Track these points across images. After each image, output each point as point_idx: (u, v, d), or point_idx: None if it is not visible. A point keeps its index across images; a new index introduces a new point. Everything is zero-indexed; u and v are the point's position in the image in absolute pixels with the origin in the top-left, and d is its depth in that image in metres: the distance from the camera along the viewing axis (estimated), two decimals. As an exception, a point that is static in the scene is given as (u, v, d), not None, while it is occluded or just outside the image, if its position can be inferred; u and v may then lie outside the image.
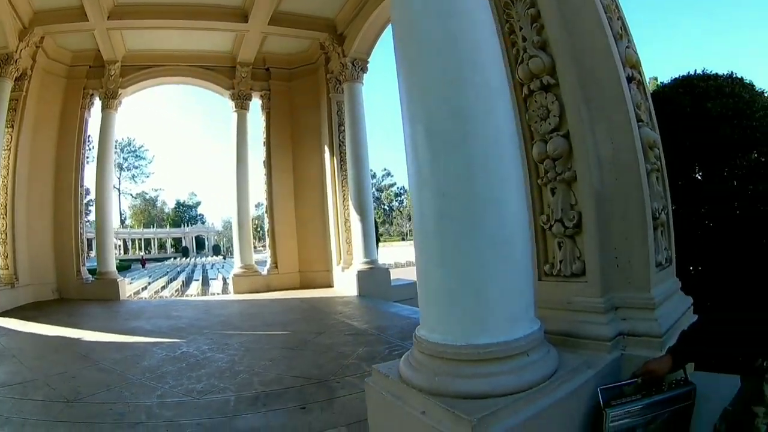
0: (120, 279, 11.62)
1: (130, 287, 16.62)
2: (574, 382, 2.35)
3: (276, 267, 11.90)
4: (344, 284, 10.81)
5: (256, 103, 12.54)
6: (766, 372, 1.91)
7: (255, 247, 13.34)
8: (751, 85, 4.62)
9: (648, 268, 2.78)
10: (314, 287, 11.33)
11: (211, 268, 40.26)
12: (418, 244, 2.41)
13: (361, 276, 10.19)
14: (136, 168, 78.77)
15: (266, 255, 12.69)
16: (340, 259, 11.17)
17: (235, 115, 12.25)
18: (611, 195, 2.88)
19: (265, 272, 11.96)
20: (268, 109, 12.40)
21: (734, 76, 4.67)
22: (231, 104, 12.27)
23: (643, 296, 2.78)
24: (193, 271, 37.16)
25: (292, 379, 4.41)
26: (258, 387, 4.17)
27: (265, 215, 12.34)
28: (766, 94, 4.59)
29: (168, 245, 74.34)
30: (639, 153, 2.87)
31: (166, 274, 32.30)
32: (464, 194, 2.22)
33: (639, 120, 3.01)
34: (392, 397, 2.39)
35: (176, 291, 20.18)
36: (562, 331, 2.82)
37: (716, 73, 4.73)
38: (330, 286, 11.44)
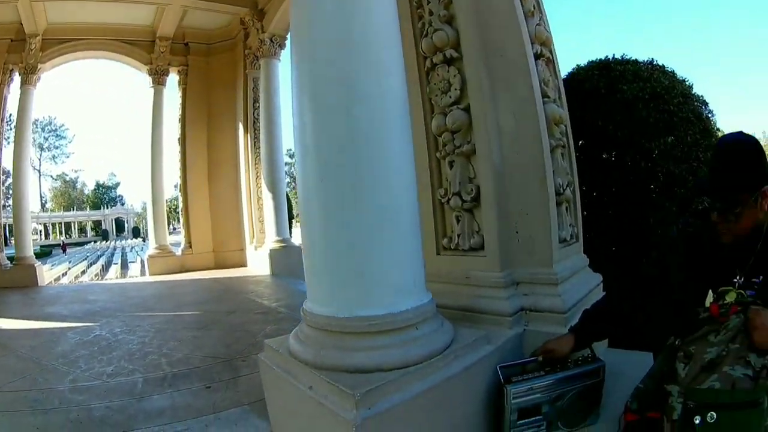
0: (38, 264, 11.06)
1: (50, 273, 16.15)
2: (470, 357, 2.30)
3: (190, 247, 11.61)
4: (257, 263, 10.69)
5: (173, 79, 12.11)
6: (678, 350, 1.88)
7: (174, 229, 12.93)
8: (672, 73, 4.63)
9: (550, 243, 2.76)
10: (228, 267, 11.16)
11: (131, 250, 39.02)
12: (303, 215, 2.32)
13: (274, 255, 10.01)
14: (57, 148, 75.16)
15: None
16: (253, 237, 11.03)
17: (152, 91, 11.78)
18: (512, 169, 2.84)
19: (179, 253, 11.65)
20: (185, 85, 11.97)
21: (655, 63, 4.70)
22: (148, 80, 11.79)
23: (546, 271, 2.77)
24: (112, 255, 36.16)
25: (200, 358, 4.38)
26: (166, 368, 4.13)
27: (179, 194, 11.99)
28: (687, 82, 4.62)
29: (88, 229, 71.49)
30: (542, 128, 2.84)
31: (85, 259, 31.47)
32: (348, 163, 2.13)
33: (545, 96, 2.98)
34: (282, 372, 2.31)
35: (96, 275, 19.84)
36: (461, 306, 2.79)
37: (635, 59, 4.74)
38: (244, 265, 11.29)
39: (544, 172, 2.79)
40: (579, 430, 2.36)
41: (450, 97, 2.93)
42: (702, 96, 4.65)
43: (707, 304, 1.94)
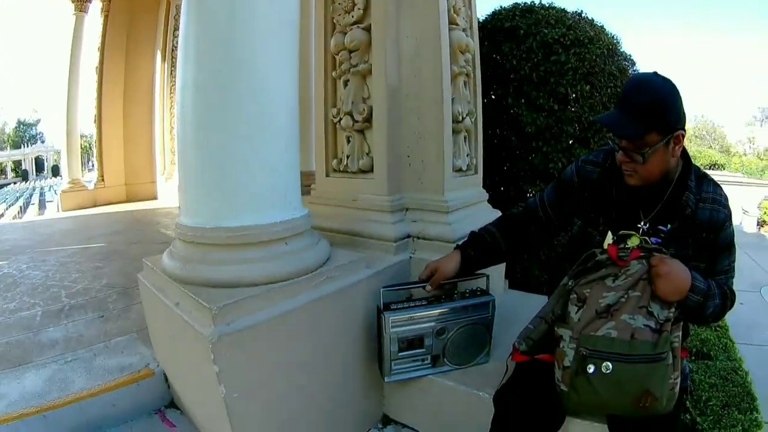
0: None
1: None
2: (345, 280, 2.23)
3: (102, 180, 11.04)
4: (168, 196, 10.36)
5: (97, 7, 11.32)
6: (571, 292, 1.77)
7: (93, 165, 12.37)
8: (600, 27, 4.52)
9: (442, 170, 2.70)
10: (140, 200, 10.79)
11: (49, 190, 37.34)
12: (179, 124, 2.17)
13: (183, 187, 9.61)
14: None
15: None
16: (164, 169, 10.71)
17: (73, 18, 10.96)
18: (408, 92, 2.76)
19: (92, 186, 11.10)
20: (107, 12, 11.13)
21: (584, 15, 4.60)
22: (71, 6, 11.12)
23: (436, 198, 2.71)
24: (31, 195, 34.73)
25: (98, 289, 4.29)
26: (65, 300, 4.02)
27: (94, 125, 11.40)
28: (615, 38, 4.51)
29: (8, 170, 67.81)
30: (444, 53, 2.74)
31: (4, 201, 30.15)
32: (224, 69, 1.98)
33: (453, 23, 2.88)
34: (156, 290, 2.21)
35: (13, 217, 18.89)
36: (347, 230, 2.73)
37: (563, 8, 4.59)
38: (155, 198, 10.96)
39: (441, 96, 2.69)
40: (468, 368, 2.31)
41: (352, 16, 2.80)
42: (631, 55, 4.62)
43: (605, 245, 1.84)
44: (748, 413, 2.04)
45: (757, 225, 13.01)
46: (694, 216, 1.76)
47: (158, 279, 2.24)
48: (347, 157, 2.86)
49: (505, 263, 3.24)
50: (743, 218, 12.90)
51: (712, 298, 1.71)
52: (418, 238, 2.68)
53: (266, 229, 2.01)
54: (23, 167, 68.39)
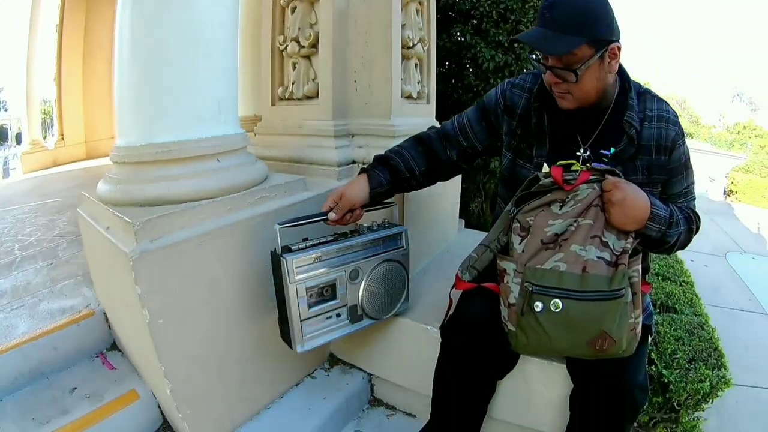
0: None
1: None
2: (281, 201, 2.11)
3: (62, 139, 10.79)
4: None
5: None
6: (513, 221, 1.63)
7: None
8: None
9: (389, 94, 2.58)
10: (101, 156, 10.53)
11: (14, 158, 36.70)
12: (116, 44, 2.00)
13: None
14: None
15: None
16: None
17: None
18: (356, 16, 2.62)
19: (52, 146, 10.87)
20: None
21: None
22: (27, -35, 10.72)
23: (383, 123, 2.61)
24: (-7, 165, 33.89)
25: (50, 239, 4.20)
26: (17, 252, 3.92)
27: (53, 84, 11.06)
28: None
29: None
30: (394, -22, 2.61)
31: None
32: None
33: (404, -53, 2.74)
34: (91, 218, 2.10)
35: (-25, 186, 18.47)
36: (290, 157, 2.63)
37: None
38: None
39: (390, 19, 2.56)
40: (389, 318, 2.16)
41: (301, -61, 2.67)
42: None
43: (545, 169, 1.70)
44: (716, 369, 1.98)
45: (724, 194, 13.31)
46: (639, 136, 1.63)
47: (93, 207, 2.13)
48: (293, 83, 2.74)
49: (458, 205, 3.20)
50: (709, 186, 13.23)
51: (675, 225, 1.58)
52: (363, 163, 2.57)
53: (196, 144, 1.89)
54: None
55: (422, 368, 2.00)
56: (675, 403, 1.92)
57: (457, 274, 1.79)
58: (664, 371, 1.94)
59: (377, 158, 1.97)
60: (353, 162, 2.60)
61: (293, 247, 1.80)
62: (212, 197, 1.89)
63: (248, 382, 2.07)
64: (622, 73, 1.67)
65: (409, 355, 2.22)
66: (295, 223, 1.79)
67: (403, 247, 2.04)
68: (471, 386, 1.79)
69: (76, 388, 2.21)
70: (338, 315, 1.93)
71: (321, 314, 1.88)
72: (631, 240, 1.49)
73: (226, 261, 1.90)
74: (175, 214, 1.77)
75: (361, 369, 2.46)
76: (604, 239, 1.49)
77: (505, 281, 1.59)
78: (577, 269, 1.47)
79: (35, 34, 10.63)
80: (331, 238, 1.89)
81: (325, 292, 1.87)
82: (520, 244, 1.58)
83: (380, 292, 2.03)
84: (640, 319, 1.51)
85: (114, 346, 2.54)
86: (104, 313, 2.51)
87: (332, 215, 1.81)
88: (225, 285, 1.90)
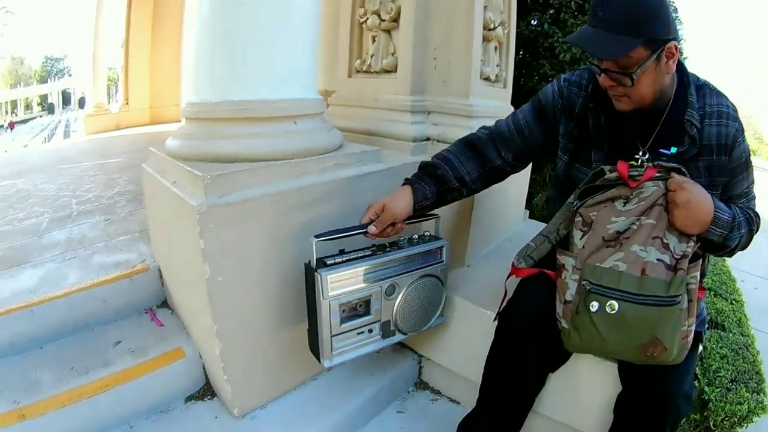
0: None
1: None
2: (355, 169, 2.05)
3: (127, 103, 10.89)
4: None
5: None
6: (576, 214, 1.55)
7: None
8: None
9: (469, 74, 2.48)
10: (164, 122, 10.59)
11: (75, 121, 37.37)
12: (197, 6, 1.94)
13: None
14: (5, 25, 70.03)
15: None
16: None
17: None
18: (440, -6, 2.53)
19: (116, 109, 11.01)
20: None
21: None
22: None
23: (460, 102, 2.51)
24: (56, 127, 34.82)
25: (109, 197, 4.20)
26: (74, 207, 3.94)
27: (121, 49, 11.17)
28: None
29: (35, 104, 66.50)
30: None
31: (29, 133, 30.39)
32: None
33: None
34: (156, 172, 2.07)
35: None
36: (365, 129, 2.56)
37: None
38: (179, 120, 10.75)
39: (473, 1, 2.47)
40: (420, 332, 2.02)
41: None
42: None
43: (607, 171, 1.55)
44: (755, 393, 1.86)
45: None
46: (700, 136, 1.51)
47: (160, 161, 2.10)
48: (371, 56, 2.66)
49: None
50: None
51: (737, 228, 1.47)
52: (438, 141, 2.49)
53: (273, 105, 1.84)
54: (49, 101, 67.33)
55: (474, 354, 1.92)
56: (711, 423, 1.80)
57: (513, 263, 1.73)
58: (706, 388, 1.83)
59: (423, 166, 1.83)
60: (428, 139, 2.52)
61: (328, 261, 1.66)
62: (286, 159, 1.83)
63: (294, 353, 1.99)
64: (679, 66, 1.53)
65: (463, 339, 2.15)
66: (334, 236, 1.65)
67: (442, 261, 1.91)
68: (523, 376, 1.72)
69: (120, 341, 2.18)
70: (370, 330, 1.81)
71: (352, 330, 1.76)
72: (692, 244, 1.41)
73: (293, 225, 1.83)
74: (246, 172, 1.71)
75: (412, 349, 2.39)
76: (665, 241, 1.41)
77: (563, 276, 1.53)
78: (636, 271, 1.39)
79: (104, 1, 10.80)
80: (369, 251, 1.76)
81: (359, 308, 1.75)
82: (581, 239, 1.51)
83: (415, 307, 1.90)
84: (693, 327, 1.43)
85: (165, 304, 2.50)
86: (159, 270, 2.47)
87: (372, 228, 1.68)
88: (288, 249, 1.83)
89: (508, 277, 1.77)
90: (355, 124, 2.58)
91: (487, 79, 2.72)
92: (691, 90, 1.53)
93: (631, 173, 1.46)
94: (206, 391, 2.10)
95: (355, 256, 1.70)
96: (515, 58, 3.50)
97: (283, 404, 2.02)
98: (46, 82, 71.17)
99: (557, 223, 1.65)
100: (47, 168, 6.18)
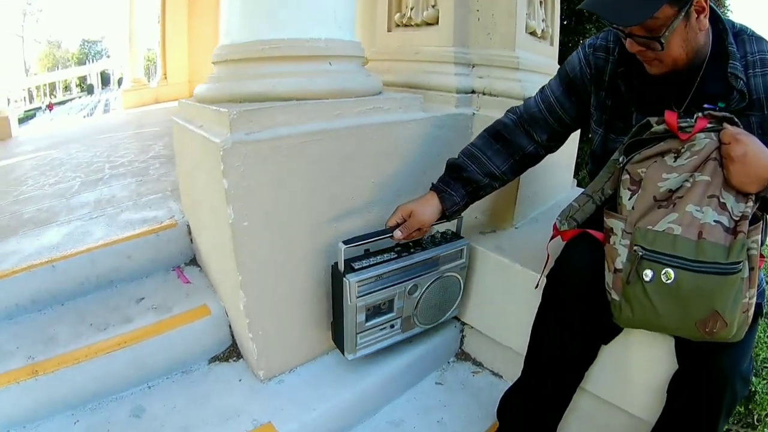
0: (10, 116, 10.33)
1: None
2: (395, 115, 1.91)
3: (165, 78, 10.94)
4: None
5: None
6: (622, 172, 1.41)
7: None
8: None
9: (514, 25, 2.31)
10: None
11: (115, 100, 37.89)
12: None
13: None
14: (40, 11, 70.83)
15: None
16: None
17: None
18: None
19: (154, 84, 11.07)
20: None
21: None
22: None
23: (506, 53, 2.34)
24: (95, 107, 35.27)
25: (142, 161, 4.18)
26: (107, 171, 3.93)
27: (158, 25, 11.17)
28: None
29: (73, 86, 67.62)
30: None
31: (67, 114, 30.80)
32: None
33: None
34: (184, 121, 1.96)
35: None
36: (404, 82, 2.42)
37: None
38: None
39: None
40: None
41: None
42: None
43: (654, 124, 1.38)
44: None
45: None
46: (748, 89, 1.31)
47: (189, 110, 2.01)
48: (411, 9, 2.52)
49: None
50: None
51: None
52: (483, 94, 2.34)
53: (306, 44, 1.71)
54: (88, 82, 67.16)
55: (519, 321, 1.79)
56: (755, 418, 1.62)
57: (554, 225, 1.60)
58: (752, 379, 1.62)
59: (449, 166, 1.75)
60: (473, 91, 2.36)
61: (356, 266, 1.66)
62: (315, 97, 1.70)
63: (327, 314, 1.90)
64: (712, 13, 1.35)
65: (508, 305, 2.00)
66: (361, 242, 1.65)
67: (463, 260, 1.92)
68: (572, 346, 1.56)
69: (144, 298, 2.11)
70: (392, 326, 1.85)
71: (376, 327, 1.80)
72: (751, 203, 1.24)
73: (326, 169, 1.70)
74: (276, 109, 1.58)
75: (455, 316, 2.21)
76: (722, 200, 1.24)
77: (611, 242, 1.37)
78: (692, 234, 1.23)
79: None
80: (394, 254, 1.75)
81: (383, 306, 1.78)
82: (629, 199, 1.36)
83: (434, 303, 1.93)
84: (754, 299, 1.26)
85: (193, 261, 2.42)
86: (188, 226, 2.39)
87: (398, 234, 1.67)
88: (320, 196, 1.73)
89: (550, 240, 1.64)
90: (395, 77, 2.44)
91: (533, 33, 2.55)
92: (729, 39, 1.35)
93: (681, 124, 1.30)
94: (232, 352, 2.01)
95: (381, 259, 1.72)
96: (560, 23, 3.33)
97: (313, 369, 1.92)
98: (84, 64, 71.88)
99: (602, 181, 1.50)
100: (83, 138, 6.26)
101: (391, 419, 1.94)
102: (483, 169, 1.70)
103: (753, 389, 1.63)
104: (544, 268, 1.64)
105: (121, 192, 3.17)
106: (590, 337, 1.56)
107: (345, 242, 1.62)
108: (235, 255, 1.58)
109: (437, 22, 2.43)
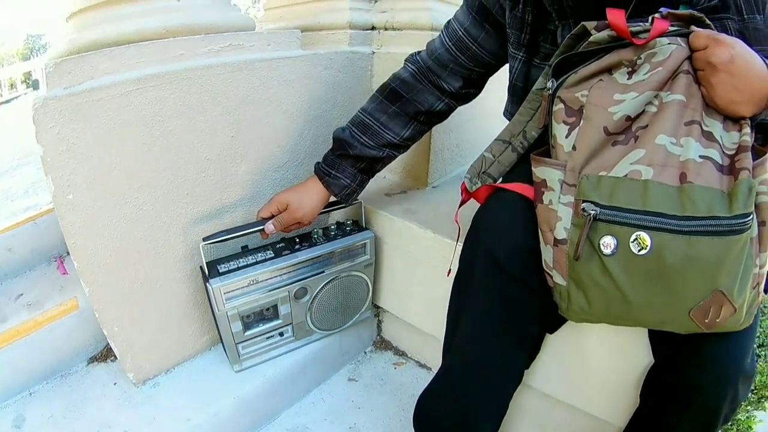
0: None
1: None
2: (259, 53, 1.55)
3: None
4: None
5: None
6: (554, 101, 0.98)
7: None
8: None
9: None
10: None
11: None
12: None
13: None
14: None
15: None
16: None
17: None
18: None
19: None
20: None
21: None
22: None
23: None
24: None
25: None
26: (15, 162, 3.55)
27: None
28: None
29: (18, 82, 66.49)
30: None
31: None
32: None
33: None
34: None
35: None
36: (296, 25, 2.07)
37: None
38: None
39: None
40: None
41: None
42: None
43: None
44: None
45: None
46: None
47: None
48: (304, -55, 2.21)
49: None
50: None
51: None
52: (385, 29, 2.03)
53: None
54: (33, 78, 66.46)
55: (438, 304, 1.42)
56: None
57: (462, 185, 1.17)
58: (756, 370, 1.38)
59: (334, 142, 1.46)
60: (372, 28, 2.05)
61: (222, 268, 1.44)
62: (160, 39, 1.38)
63: (204, 305, 1.64)
64: None
65: (423, 283, 1.70)
66: (223, 237, 1.39)
67: (367, 256, 1.67)
68: (495, 345, 1.11)
69: (22, 294, 1.88)
70: (281, 334, 1.63)
71: (260, 335, 1.58)
72: (747, 131, 0.84)
73: (166, 124, 1.38)
74: (99, 55, 1.25)
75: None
76: (705, 128, 0.85)
77: (545, 201, 0.95)
78: (671, 177, 0.83)
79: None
80: (271, 253, 1.51)
81: (266, 312, 1.56)
82: (567, 137, 0.94)
83: (335, 307, 1.70)
84: (766, 269, 0.86)
85: (74, 248, 2.16)
86: (62, 209, 2.11)
87: (270, 227, 1.42)
88: (164, 158, 1.40)
89: (459, 206, 1.21)
90: (288, 23, 2.15)
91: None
92: None
93: (632, 28, 0.90)
94: (110, 351, 1.78)
95: (255, 260, 1.48)
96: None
97: (192, 369, 1.67)
98: (29, 59, 70.24)
99: (524, 119, 1.11)
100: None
101: (291, 427, 1.68)
102: (377, 139, 1.40)
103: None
104: (456, 244, 1.23)
105: (20, 182, 2.87)
106: (520, 333, 1.12)
107: (205, 239, 1.38)
108: (66, 236, 1.29)
109: (333, -43, 2.10)
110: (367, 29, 2.04)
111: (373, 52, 1.97)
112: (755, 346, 1.03)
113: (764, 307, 1.67)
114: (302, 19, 2.13)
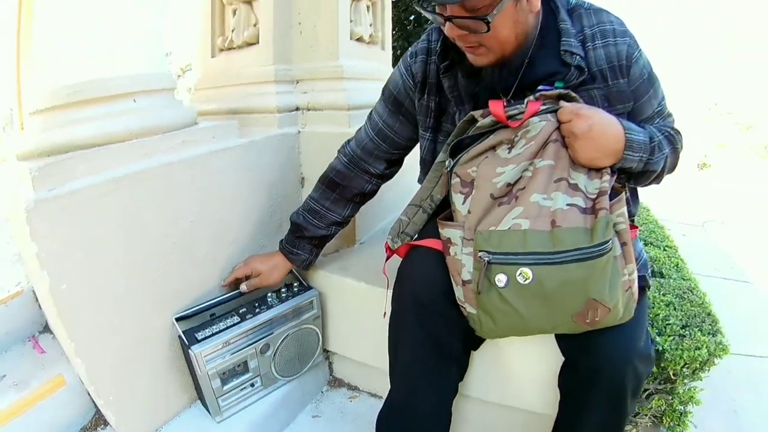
0: None
1: None
2: (207, 146, 1.82)
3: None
4: None
5: None
6: (452, 176, 1.31)
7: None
8: None
9: (336, 34, 2.30)
10: None
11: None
12: None
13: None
14: None
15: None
16: None
17: None
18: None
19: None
20: None
21: None
22: None
23: (330, 64, 2.32)
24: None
25: None
26: None
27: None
28: None
29: None
30: None
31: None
32: None
33: None
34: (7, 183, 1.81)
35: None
36: (227, 108, 2.35)
37: None
38: None
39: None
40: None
41: None
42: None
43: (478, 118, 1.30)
44: (712, 335, 1.72)
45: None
46: (587, 63, 1.27)
47: (11, 168, 1.86)
48: (233, 31, 2.47)
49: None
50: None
51: (658, 149, 1.25)
52: (308, 109, 2.33)
53: (108, 83, 1.62)
54: None
55: (379, 341, 1.69)
56: (671, 373, 1.68)
57: (386, 244, 1.51)
58: (657, 338, 1.68)
59: (292, 226, 1.86)
60: (297, 109, 2.34)
61: (198, 335, 1.69)
62: (122, 140, 1.62)
63: (182, 365, 1.84)
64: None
65: (365, 325, 1.98)
66: (195, 311, 1.77)
67: (315, 311, 1.98)
68: (430, 368, 1.45)
69: (5, 375, 1.94)
70: (252, 384, 1.88)
71: (236, 388, 1.83)
72: (607, 177, 1.17)
73: (141, 212, 1.62)
74: (76, 159, 1.49)
75: (317, 344, 2.18)
76: (572, 181, 1.17)
77: (452, 253, 1.26)
78: (544, 225, 1.14)
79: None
80: (237, 318, 1.79)
81: (237, 368, 1.81)
82: (464, 203, 1.27)
83: (293, 356, 1.99)
84: (635, 274, 1.18)
85: (47, 329, 2.25)
86: (33, 291, 2.23)
87: (243, 288, 1.84)
88: (141, 242, 1.63)
89: (386, 261, 1.55)
90: (219, 105, 2.38)
91: (360, 39, 2.55)
92: (562, 15, 1.28)
93: (510, 112, 1.21)
94: (99, 420, 1.89)
95: (225, 325, 1.75)
96: (407, 26, 3.36)
97: (179, 426, 1.85)
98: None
99: (430, 186, 1.45)
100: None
101: (273, 463, 1.92)
102: (324, 220, 1.78)
103: (661, 348, 1.63)
104: (387, 291, 1.52)
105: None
106: (449, 352, 1.46)
107: (177, 319, 1.71)
108: (62, 321, 1.48)
109: (258, 41, 2.39)
110: (292, 110, 2.33)
111: (299, 131, 2.28)
112: (649, 331, 1.43)
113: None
114: (232, 101, 2.37)
